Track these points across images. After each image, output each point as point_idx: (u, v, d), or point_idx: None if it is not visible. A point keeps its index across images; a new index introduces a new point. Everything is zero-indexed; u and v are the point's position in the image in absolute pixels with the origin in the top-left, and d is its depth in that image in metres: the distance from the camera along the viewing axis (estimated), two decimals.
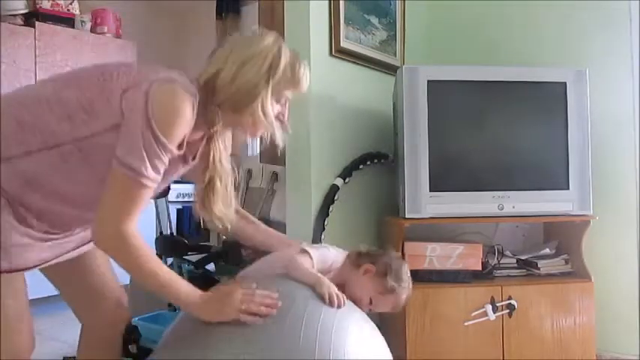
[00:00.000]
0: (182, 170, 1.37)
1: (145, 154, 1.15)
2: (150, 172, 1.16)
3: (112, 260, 1.46)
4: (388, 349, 1.39)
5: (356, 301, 1.40)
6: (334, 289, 1.30)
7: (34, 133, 1.20)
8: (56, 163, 1.21)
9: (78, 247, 1.40)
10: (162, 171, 1.19)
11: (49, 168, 1.21)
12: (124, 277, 1.55)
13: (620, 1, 2.45)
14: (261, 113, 1.26)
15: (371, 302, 1.43)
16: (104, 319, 1.52)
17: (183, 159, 1.31)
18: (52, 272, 1.43)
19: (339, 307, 1.28)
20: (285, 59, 1.29)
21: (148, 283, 1.23)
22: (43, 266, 1.32)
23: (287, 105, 1.36)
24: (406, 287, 1.45)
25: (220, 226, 1.32)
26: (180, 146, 1.22)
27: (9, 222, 1.20)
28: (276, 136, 1.34)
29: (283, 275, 1.37)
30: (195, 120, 1.23)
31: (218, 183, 1.28)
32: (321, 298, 1.28)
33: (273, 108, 1.30)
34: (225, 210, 1.31)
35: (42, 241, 1.28)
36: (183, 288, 1.25)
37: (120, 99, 1.17)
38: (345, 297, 1.32)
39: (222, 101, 1.26)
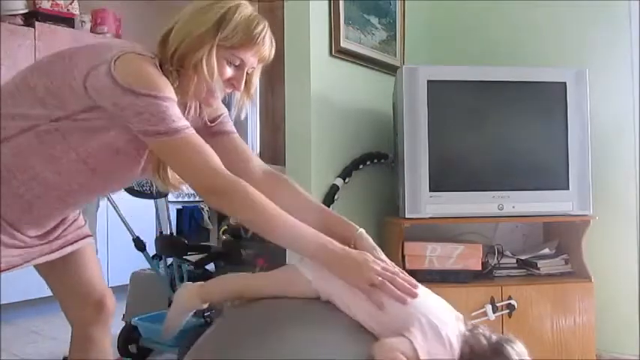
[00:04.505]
0: None
1: (155, 117, 1.10)
2: (174, 123, 1.11)
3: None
4: None
5: None
6: None
7: (8, 120, 1.18)
8: (34, 145, 1.18)
9: (61, 249, 1.40)
10: (182, 115, 1.14)
11: (28, 150, 1.19)
12: (124, 278, 1.56)
13: (620, 1, 2.45)
14: (205, 70, 1.17)
15: None
16: (87, 318, 1.50)
17: None
18: (42, 268, 1.43)
19: None
20: (240, 14, 1.20)
21: (271, 235, 1.15)
22: (13, 270, 1.30)
23: (245, 71, 1.25)
24: None
25: (171, 190, 1.30)
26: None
27: None
28: (217, 98, 1.24)
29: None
30: None
31: None
32: None
33: (222, 68, 1.21)
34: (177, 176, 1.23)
35: (16, 247, 1.27)
36: (308, 232, 1.14)
37: (83, 85, 1.13)
38: None
39: (172, 56, 1.19)
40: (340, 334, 1.06)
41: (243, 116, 1.35)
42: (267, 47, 1.24)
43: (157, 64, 1.17)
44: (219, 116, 1.40)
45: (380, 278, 1.09)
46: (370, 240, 1.26)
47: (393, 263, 1.18)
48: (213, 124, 1.38)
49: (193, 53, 1.18)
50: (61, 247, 1.40)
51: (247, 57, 1.22)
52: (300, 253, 1.18)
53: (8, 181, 1.19)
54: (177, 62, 1.19)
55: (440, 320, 1.08)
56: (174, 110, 1.13)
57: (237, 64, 1.23)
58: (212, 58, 1.18)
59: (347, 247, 1.15)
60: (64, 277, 1.47)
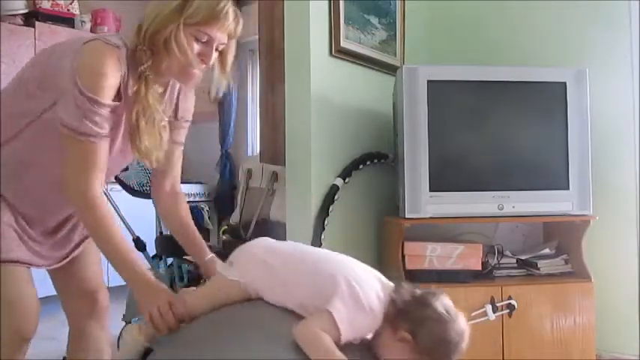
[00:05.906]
0: None
1: (80, 113, 1.19)
2: (90, 128, 1.20)
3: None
4: None
5: None
6: None
7: (13, 117, 1.29)
8: (35, 140, 1.28)
9: (69, 255, 1.49)
10: (105, 124, 1.22)
11: (31, 146, 1.28)
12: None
13: (620, 1, 2.45)
14: (174, 46, 1.24)
15: None
16: (81, 310, 1.55)
17: None
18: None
19: None
20: None
21: (100, 246, 1.28)
22: (34, 268, 1.39)
23: (214, 47, 1.29)
24: (458, 352, 1.11)
25: (147, 164, 1.35)
26: (118, 96, 1.25)
27: (5, 218, 1.30)
28: (192, 74, 1.30)
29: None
30: (132, 71, 1.26)
31: (143, 120, 1.28)
32: None
33: (189, 44, 1.26)
34: (152, 147, 1.31)
35: (35, 242, 1.37)
36: (131, 262, 1.26)
37: (60, 67, 1.23)
38: None
39: (144, 37, 1.26)
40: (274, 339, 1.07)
41: (220, 95, 1.40)
42: (231, 22, 1.29)
43: (124, 54, 1.24)
44: (186, 120, 1.49)
45: (154, 310, 1.20)
46: (217, 265, 1.35)
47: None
48: (176, 120, 1.45)
49: (162, 31, 1.24)
50: (71, 253, 1.49)
51: (213, 32, 1.27)
52: (114, 268, 1.28)
53: (19, 176, 1.31)
54: (148, 41, 1.26)
55: (361, 287, 1.09)
56: (101, 116, 1.20)
57: (204, 40, 1.28)
58: (180, 35, 1.24)
59: (152, 278, 1.29)
60: (67, 276, 1.53)
